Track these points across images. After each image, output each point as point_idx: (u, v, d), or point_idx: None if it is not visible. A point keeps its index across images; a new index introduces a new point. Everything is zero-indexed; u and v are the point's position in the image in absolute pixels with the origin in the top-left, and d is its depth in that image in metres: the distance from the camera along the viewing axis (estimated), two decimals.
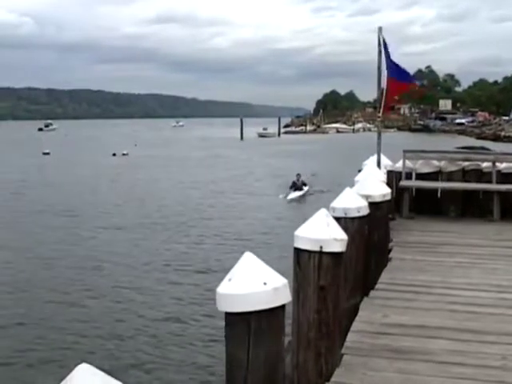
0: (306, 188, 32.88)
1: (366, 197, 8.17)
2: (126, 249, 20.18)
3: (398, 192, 12.56)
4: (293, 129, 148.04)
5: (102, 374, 1.99)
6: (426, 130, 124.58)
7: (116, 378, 2.05)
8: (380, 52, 11.46)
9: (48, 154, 66.72)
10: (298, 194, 31.84)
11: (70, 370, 2.01)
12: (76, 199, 31.61)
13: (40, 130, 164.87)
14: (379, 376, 5.01)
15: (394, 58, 11.64)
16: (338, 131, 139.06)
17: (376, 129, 12.80)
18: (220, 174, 43.87)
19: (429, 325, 6.21)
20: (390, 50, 11.55)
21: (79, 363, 2.04)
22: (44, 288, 15.71)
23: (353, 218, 7.31)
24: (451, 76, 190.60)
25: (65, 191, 35.05)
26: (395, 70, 11.65)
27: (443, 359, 5.34)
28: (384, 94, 11.60)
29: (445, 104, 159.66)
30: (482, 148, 29.44)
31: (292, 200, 30.85)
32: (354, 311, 6.65)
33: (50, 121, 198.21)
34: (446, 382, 4.89)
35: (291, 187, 32.66)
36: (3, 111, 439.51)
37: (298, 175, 33.36)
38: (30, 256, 19.19)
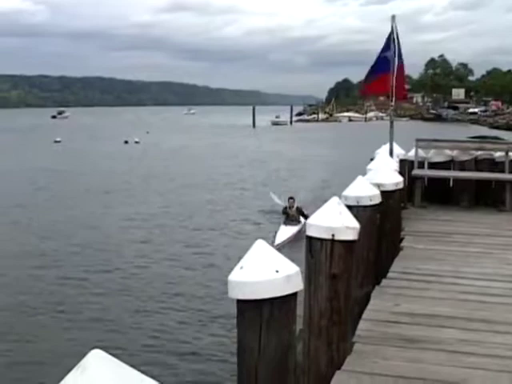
0: (303, 220, 19.28)
1: (379, 185, 8.16)
2: (147, 235, 20.72)
3: (411, 181, 12.53)
4: (305, 117, 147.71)
5: (115, 360, 1.99)
6: (438, 119, 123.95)
7: (128, 364, 2.06)
8: (393, 40, 11.41)
9: (59, 142, 66.81)
10: (290, 232, 19.51)
11: (83, 355, 2.02)
12: (85, 189, 31.72)
13: (53, 117, 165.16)
14: (390, 364, 5.02)
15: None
16: (350, 120, 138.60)
17: (388, 117, 12.77)
18: (224, 169, 43.01)
19: (440, 314, 6.20)
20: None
21: (91, 349, 2.04)
22: (62, 268, 16.40)
23: (365, 207, 7.32)
24: (464, 65, 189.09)
25: (76, 180, 35.15)
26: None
27: (454, 348, 5.34)
28: (395, 82, 11.55)
29: (458, 93, 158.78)
30: (495, 138, 29.28)
31: (281, 245, 17.44)
32: (366, 300, 6.65)
33: (62, 108, 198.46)
34: (457, 371, 4.89)
35: (283, 212, 21.20)
36: (16, 98, 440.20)
37: (291, 199, 21.49)
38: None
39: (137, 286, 15.01)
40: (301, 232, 18.07)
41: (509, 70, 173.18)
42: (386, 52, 11.52)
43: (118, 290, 14.56)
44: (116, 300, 13.83)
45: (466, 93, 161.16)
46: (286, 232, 19.45)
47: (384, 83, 11.55)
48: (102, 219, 23.34)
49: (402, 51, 11.66)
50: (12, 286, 14.89)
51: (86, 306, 13.40)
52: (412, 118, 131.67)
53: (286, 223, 20.39)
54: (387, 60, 11.47)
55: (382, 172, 9.19)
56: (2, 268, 16.46)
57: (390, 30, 11.53)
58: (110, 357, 2.00)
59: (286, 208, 21.15)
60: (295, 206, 21.20)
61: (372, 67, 11.84)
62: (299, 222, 20.26)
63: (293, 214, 20.74)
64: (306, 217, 19.22)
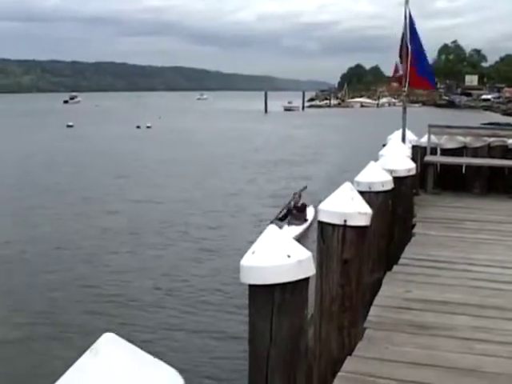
0: (310, 216, 18.23)
1: (391, 171, 8.14)
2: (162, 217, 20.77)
3: (423, 167, 12.50)
4: (317, 103, 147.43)
5: (127, 343, 2.00)
6: (451, 105, 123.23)
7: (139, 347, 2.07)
8: (406, 26, 11.35)
9: (72, 126, 66.99)
10: (293, 233, 16.10)
11: (95, 339, 2.02)
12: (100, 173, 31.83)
13: (65, 102, 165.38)
14: (401, 350, 5.02)
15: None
16: (362, 106, 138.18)
17: (401, 103, 12.73)
18: (238, 154, 42.81)
19: (452, 301, 6.19)
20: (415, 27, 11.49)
21: (103, 332, 2.05)
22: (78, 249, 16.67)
23: (377, 193, 7.30)
24: (478, 51, 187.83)
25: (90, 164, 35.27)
26: (421, 60, 11.68)
27: (466, 335, 5.34)
28: (407, 69, 11.49)
29: (471, 79, 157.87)
30: (508, 124, 29.20)
31: None
32: (377, 285, 6.65)
33: (74, 93, 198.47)
34: (469, 358, 4.88)
35: (282, 218, 18.26)
36: (28, 83, 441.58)
37: (295, 195, 19.05)
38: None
39: (152, 267, 15.17)
40: (307, 232, 17.04)
41: None
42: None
43: (134, 270, 14.78)
44: (132, 281, 14.02)
45: (480, 79, 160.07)
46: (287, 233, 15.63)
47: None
48: (118, 202, 23.46)
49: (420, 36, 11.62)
50: (31, 266, 15.13)
51: (103, 286, 13.58)
52: (424, 104, 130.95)
53: (289, 223, 17.91)
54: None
55: (395, 158, 9.18)
56: (21, 247, 16.72)
57: (402, 16, 11.48)
58: (122, 340, 2.00)
59: (289, 205, 18.65)
60: (300, 202, 18.73)
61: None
62: (306, 219, 18.25)
63: (297, 213, 18.37)
64: (303, 212, 18.32)
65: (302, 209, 18.48)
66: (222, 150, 41.78)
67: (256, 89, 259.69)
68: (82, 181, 28.45)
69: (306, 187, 19.90)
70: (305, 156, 38.58)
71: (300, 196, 19.02)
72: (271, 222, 15.76)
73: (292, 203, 18.66)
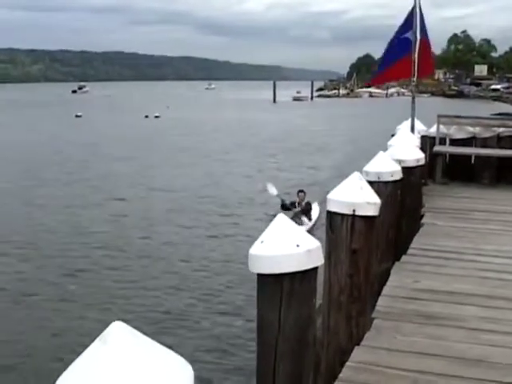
0: (315, 215, 17.79)
1: (400, 161, 8.13)
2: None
3: (432, 157, 12.44)
4: (326, 92, 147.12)
5: (136, 331, 2.01)
6: (460, 95, 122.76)
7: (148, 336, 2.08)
8: (415, 14, 11.31)
9: (80, 116, 67.12)
10: None
11: (104, 327, 2.03)
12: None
13: (74, 92, 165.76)
14: (409, 340, 5.02)
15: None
16: (371, 95, 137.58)
17: (410, 93, 12.70)
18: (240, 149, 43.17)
19: (460, 291, 6.18)
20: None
21: (113, 321, 2.06)
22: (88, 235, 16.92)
23: (386, 183, 7.30)
24: (487, 41, 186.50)
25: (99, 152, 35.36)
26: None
27: (473, 325, 5.33)
28: (417, 56, 11.44)
29: (480, 69, 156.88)
30: None
31: None
32: (386, 276, 6.64)
33: (83, 83, 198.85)
34: (476, 349, 4.88)
35: (290, 206, 17.94)
36: (37, 73, 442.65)
37: (302, 193, 18.19)
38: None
39: (163, 253, 15.33)
40: (313, 229, 15.74)
41: None
42: (407, 33, 11.39)
43: (147, 256, 14.98)
44: (147, 266, 14.27)
45: (489, 69, 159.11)
46: None
47: (407, 66, 11.43)
48: (128, 190, 23.67)
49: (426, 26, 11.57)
50: (42, 253, 15.32)
51: (119, 271, 13.82)
52: (433, 94, 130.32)
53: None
54: (409, 41, 11.35)
55: (404, 148, 9.16)
56: (34, 235, 16.97)
57: (411, 5, 11.43)
58: (131, 329, 2.01)
59: (293, 204, 17.91)
60: (305, 200, 17.89)
61: (389, 51, 11.74)
62: (310, 219, 17.53)
63: (300, 211, 17.52)
64: (308, 213, 17.59)
65: (307, 209, 17.72)
66: (231, 140, 41.90)
67: (264, 78, 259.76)
68: (90, 170, 28.54)
69: (304, 193, 18.31)
70: (313, 146, 38.62)
71: (305, 194, 18.19)
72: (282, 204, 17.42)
73: (297, 201, 18.02)
